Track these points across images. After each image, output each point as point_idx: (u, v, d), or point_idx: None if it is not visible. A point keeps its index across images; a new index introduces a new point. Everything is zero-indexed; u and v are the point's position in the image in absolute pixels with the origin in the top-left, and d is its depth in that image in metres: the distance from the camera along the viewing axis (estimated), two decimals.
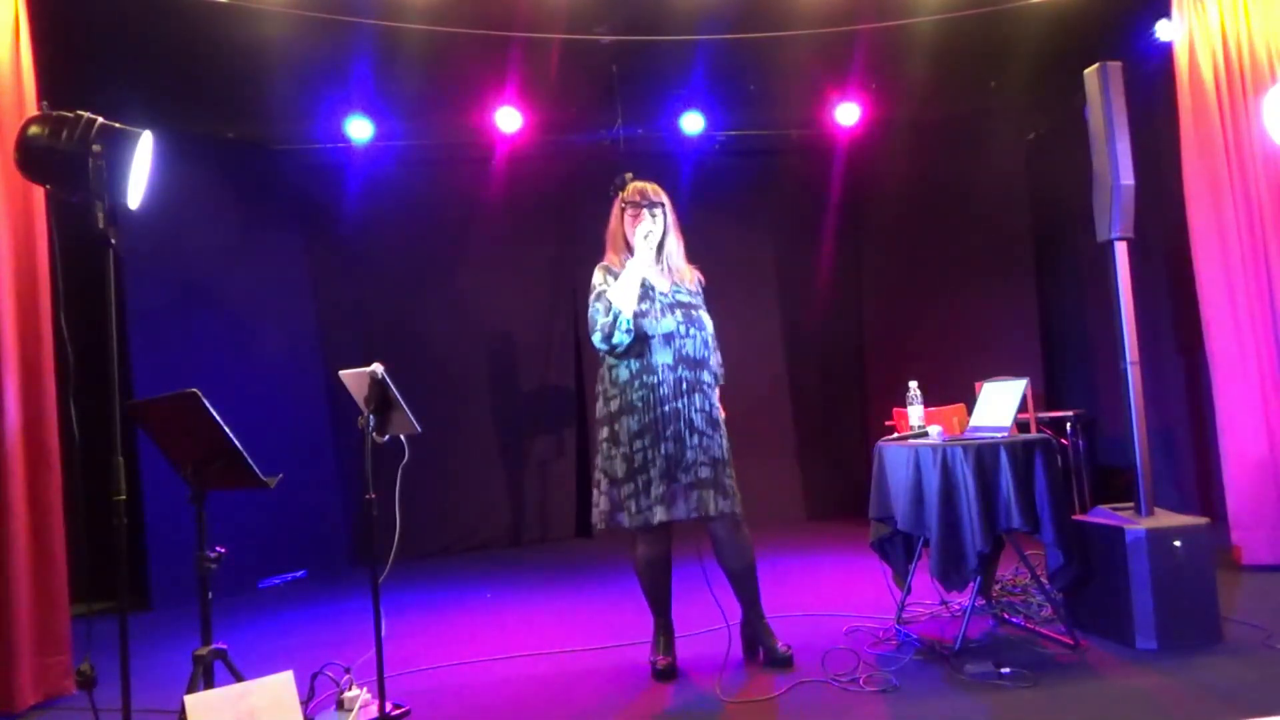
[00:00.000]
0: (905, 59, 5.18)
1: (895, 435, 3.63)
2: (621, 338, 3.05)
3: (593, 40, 4.80)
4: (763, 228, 6.78)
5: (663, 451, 3.04)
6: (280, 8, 4.18)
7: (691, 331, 3.13)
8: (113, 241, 2.47)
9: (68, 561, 3.43)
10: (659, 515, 3.02)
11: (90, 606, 3.41)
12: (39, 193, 3.36)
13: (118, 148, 2.54)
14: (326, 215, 6.21)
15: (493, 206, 6.35)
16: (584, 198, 6.48)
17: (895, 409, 3.79)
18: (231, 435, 2.59)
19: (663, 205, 3.22)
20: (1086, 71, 3.43)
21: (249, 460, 2.63)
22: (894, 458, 3.45)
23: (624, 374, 3.12)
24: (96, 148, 2.48)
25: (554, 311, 6.56)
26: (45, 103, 2.67)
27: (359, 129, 5.65)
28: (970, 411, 3.57)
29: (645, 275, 3.14)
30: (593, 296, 3.14)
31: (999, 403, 3.38)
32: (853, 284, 6.86)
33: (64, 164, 2.50)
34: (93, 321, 2.53)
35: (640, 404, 3.07)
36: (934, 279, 6.46)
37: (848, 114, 5.97)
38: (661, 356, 3.08)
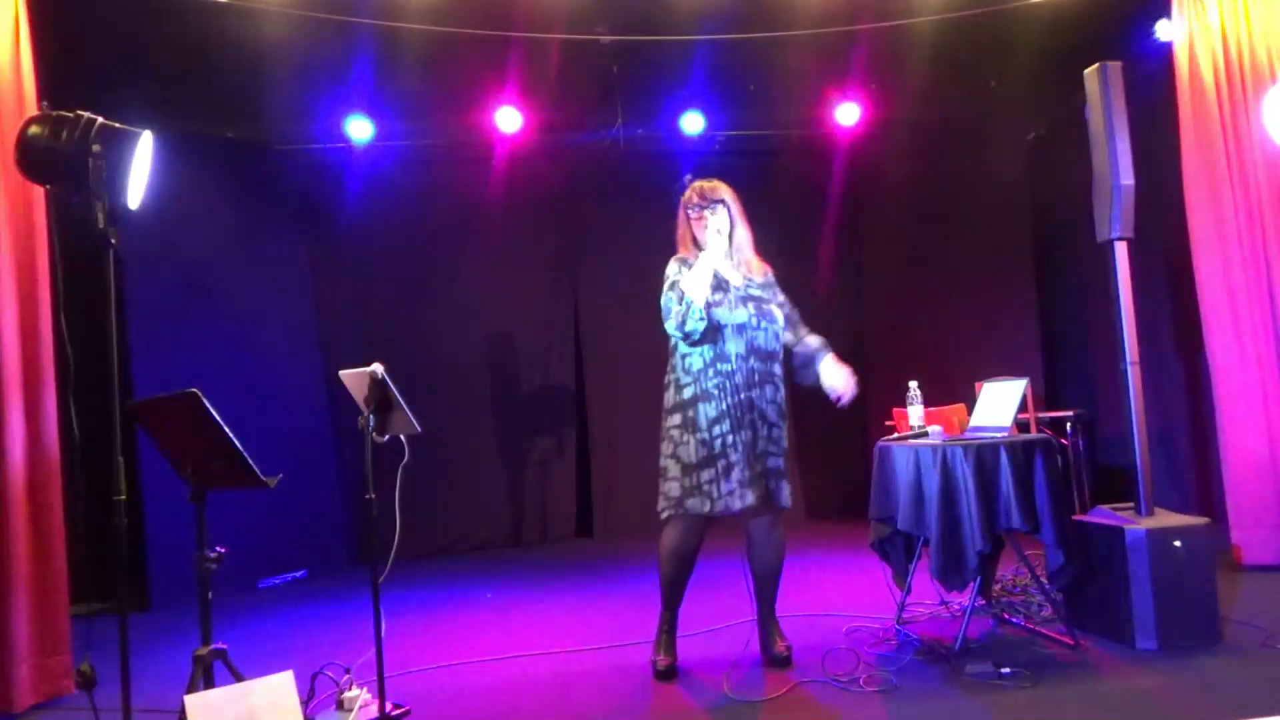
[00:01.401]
0: (905, 59, 5.18)
1: (895, 435, 3.63)
2: (695, 325, 3.07)
3: (593, 40, 4.80)
4: (763, 228, 6.68)
5: (742, 439, 3.07)
6: (280, 8, 4.18)
7: (763, 324, 3.17)
8: (113, 241, 2.47)
9: (68, 561, 3.42)
10: (748, 499, 3.03)
11: (90, 606, 3.42)
12: (39, 193, 3.35)
13: (118, 148, 2.54)
14: (326, 215, 6.21)
15: (493, 206, 6.35)
16: (584, 198, 6.50)
17: (895, 409, 3.79)
18: (231, 435, 2.59)
19: (723, 201, 3.25)
20: (1086, 71, 3.43)
21: (249, 460, 2.63)
22: (894, 458, 3.45)
23: (698, 362, 3.14)
24: (96, 148, 2.48)
25: (554, 311, 6.56)
26: (45, 103, 2.67)
27: (359, 129, 5.65)
28: (970, 411, 3.58)
29: (718, 268, 3.17)
30: (665, 286, 3.20)
31: (999, 403, 3.38)
32: (853, 284, 6.86)
33: (64, 164, 2.50)
34: (93, 321, 2.53)
35: (716, 391, 3.10)
36: (934, 279, 6.46)
37: (848, 114, 5.97)
38: (734, 346, 3.12)
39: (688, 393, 3.14)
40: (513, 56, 5.02)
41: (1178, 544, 3.11)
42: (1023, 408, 3.66)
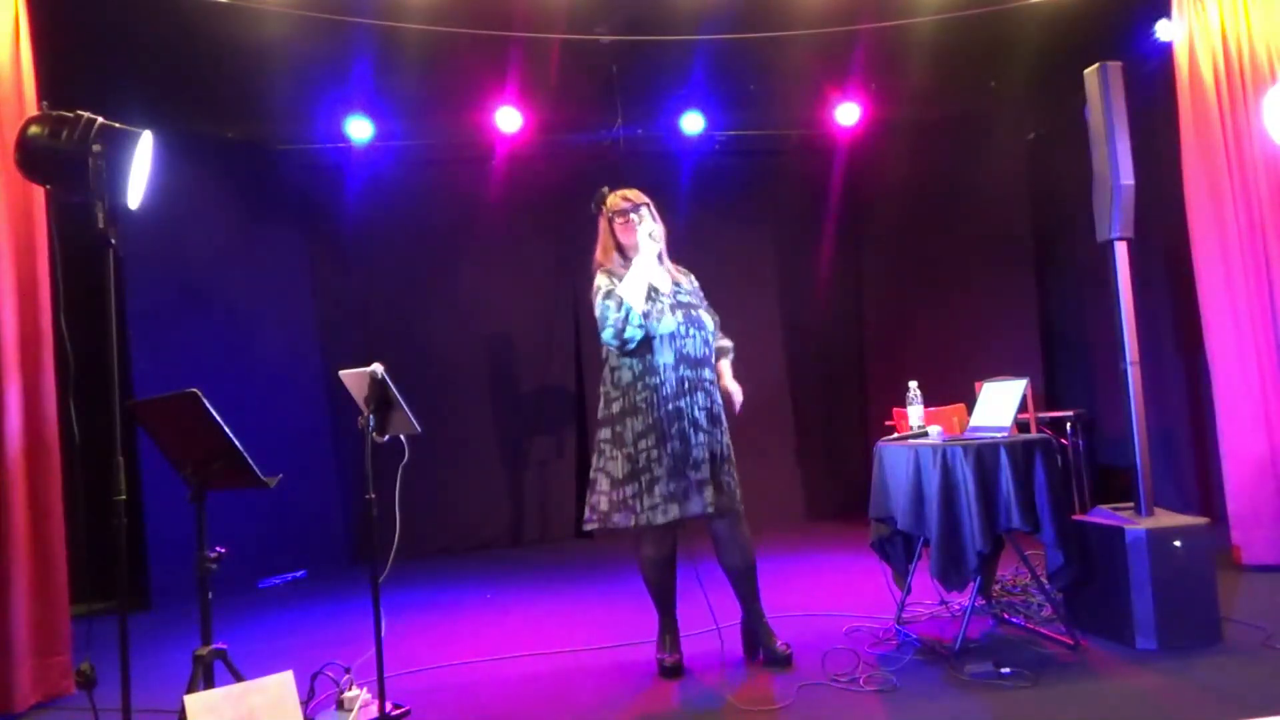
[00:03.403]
0: (905, 59, 5.18)
1: (895, 435, 3.63)
2: (634, 333, 3.06)
3: (593, 40, 4.80)
4: (763, 228, 6.77)
5: (669, 450, 3.05)
6: (280, 8, 4.18)
7: (691, 331, 3.15)
8: (113, 241, 2.46)
9: (68, 561, 3.42)
10: (671, 513, 3.02)
11: (90, 606, 3.41)
12: (39, 193, 3.36)
13: (118, 148, 2.54)
14: (326, 215, 6.21)
15: (493, 206, 6.35)
16: (584, 198, 6.41)
17: (895, 409, 3.79)
18: (231, 435, 2.59)
19: (647, 205, 3.25)
20: (1086, 71, 3.43)
21: (249, 460, 2.63)
22: (894, 458, 3.45)
23: (627, 376, 3.13)
24: (96, 148, 2.48)
25: (554, 311, 6.55)
26: (45, 103, 2.66)
27: (359, 129, 5.65)
28: (970, 411, 3.58)
29: (650, 273, 3.15)
30: (600, 297, 3.14)
31: (999, 403, 3.38)
32: (853, 284, 6.86)
33: (64, 164, 2.49)
34: (93, 321, 2.52)
35: (644, 405, 3.09)
36: (934, 279, 6.46)
37: (848, 114, 5.97)
38: (664, 357, 3.11)
39: (615, 407, 3.14)
40: (513, 56, 5.02)
41: (1178, 544, 3.11)
42: (1023, 408, 3.66)
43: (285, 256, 5.97)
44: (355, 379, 2.91)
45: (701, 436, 3.08)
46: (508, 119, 5.63)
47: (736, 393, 3.31)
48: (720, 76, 5.44)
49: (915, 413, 3.54)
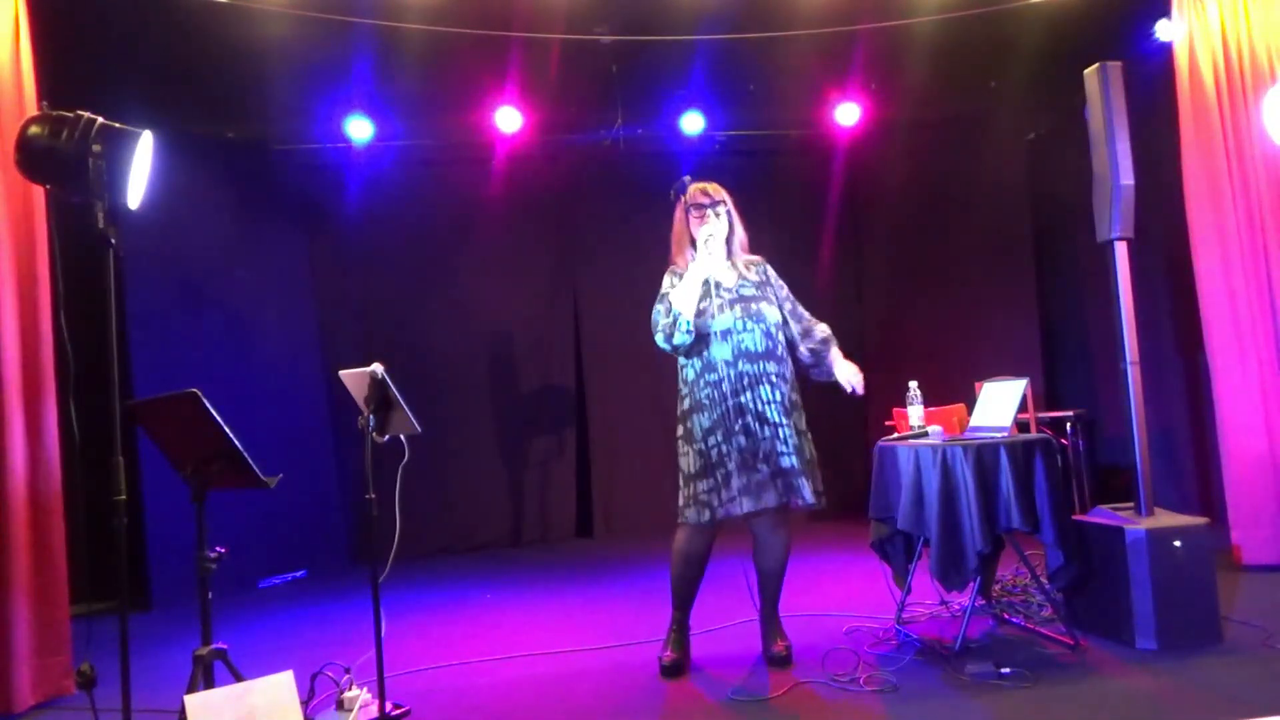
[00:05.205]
0: (905, 59, 5.18)
1: (895, 435, 3.63)
2: (682, 338, 3.09)
3: (593, 40, 4.80)
4: (763, 228, 6.73)
5: (735, 445, 3.06)
6: (280, 8, 4.17)
7: (749, 326, 3.14)
8: (113, 241, 2.46)
9: (68, 561, 3.42)
10: (746, 506, 3.03)
11: (90, 606, 3.41)
12: (39, 193, 3.36)
13: (118, 148, 2.54)
14: (326, 215, 6.22)
15: (493, 206, 6.36)
16: (584, 198, 6.50)
17: (895, 409, 3.79)
18: (231, 435, 2.59)
19: (724, 202, 3.26)
20: (1086, 71, 3.44)
21: (249, 460, 2.63)
22: (894, 458, 3.45)
23: (691, 373, 3.17)
24: (96, 148, 2.47)
25: (554, 311, 6.56)
26: (45, 103, 2.66)
27: (359, 129, 5.65)
28: (970, 411, 3.58)
29: (710, 274, 3.16)
30: (658, 300, 3.20)
31: (999, 403, 3.39)
32: (853, 284, 6.86)
33: (64, 164, 2.49)
34: (93, 321, 2.52)
35: (707, 401, 3.11)
36: (934, 279, 6.46)
37: (848, 114, 5.97)
38: (720, 353, 3.11)
39: (686, 404, 3.18)
40: (513, 56, 5.02)
41: (1178, 544, 3.11)
42: (1023, 408, 3.66)
43: (285, 256, 5.96)
44: (355, 379, 2.92)
45: (770, 430, 3.09)
46: (508, 119, 5.63)
47: (851, 374, 3.28)
48: (720, 76, 5.44)
49: (915, 413, 3.54)
